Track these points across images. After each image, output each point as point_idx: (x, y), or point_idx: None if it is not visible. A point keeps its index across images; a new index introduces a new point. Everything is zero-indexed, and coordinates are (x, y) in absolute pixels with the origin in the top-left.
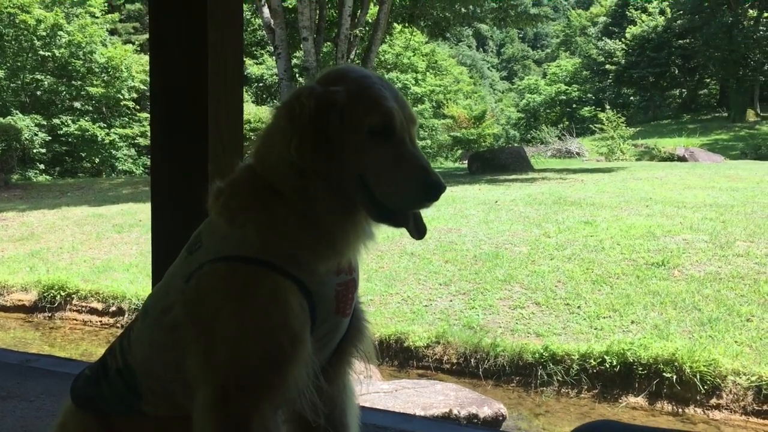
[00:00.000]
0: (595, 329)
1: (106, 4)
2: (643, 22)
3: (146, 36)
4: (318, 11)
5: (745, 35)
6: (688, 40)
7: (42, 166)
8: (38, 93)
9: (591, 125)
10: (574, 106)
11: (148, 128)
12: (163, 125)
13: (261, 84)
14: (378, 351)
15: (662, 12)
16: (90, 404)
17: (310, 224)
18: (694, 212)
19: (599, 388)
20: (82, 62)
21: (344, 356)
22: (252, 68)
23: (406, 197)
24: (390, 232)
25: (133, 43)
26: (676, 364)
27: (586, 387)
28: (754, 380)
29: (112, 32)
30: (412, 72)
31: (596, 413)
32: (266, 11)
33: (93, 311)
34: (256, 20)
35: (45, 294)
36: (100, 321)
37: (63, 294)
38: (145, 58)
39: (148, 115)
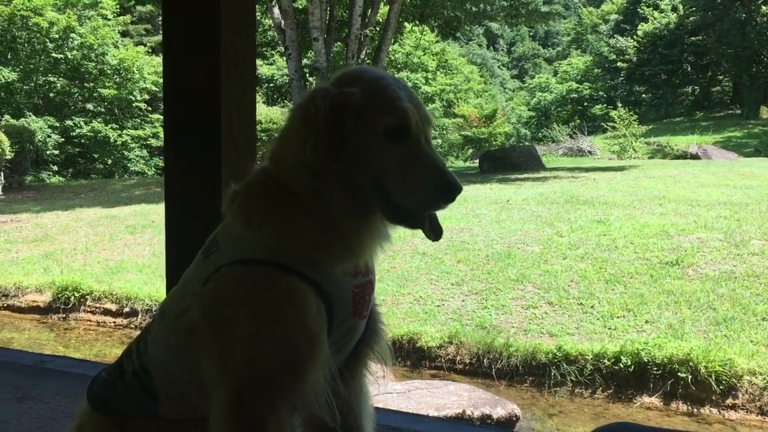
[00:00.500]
0: (609, 329)
1: (117, 7)
2: (655, 19)
3: (158, 38)
4: (328, 11)
5: (759, 32)
6: (700, 37)
7: (55, 168)
8: (51, 95)
9: (603, 123)
10: (585, 104)
11: (159, 129)
12: (176, 128)
13: (272, 84)
14: (393, 352)
15: (674, 9)
16: (107, 407)
17: (326, 226)
18: (708, 210)
19: (613, 388)
20: (94, 64)
21: (360, 358)
22: (263, 69)
23: (422, 198)
24: (402, 232)
25: (145, 45)
26: (691, 363)
27: (600, 387)
28: None
29: (124, 34)
30: (423, 71)
31: (610, 414)
32: (277, 12)
33: (107, 312)
34: (267, 21)
35: (59, 295)
36: (114, 322)
37: (77, 295)
38: (157, 59)
39: (160, 117)
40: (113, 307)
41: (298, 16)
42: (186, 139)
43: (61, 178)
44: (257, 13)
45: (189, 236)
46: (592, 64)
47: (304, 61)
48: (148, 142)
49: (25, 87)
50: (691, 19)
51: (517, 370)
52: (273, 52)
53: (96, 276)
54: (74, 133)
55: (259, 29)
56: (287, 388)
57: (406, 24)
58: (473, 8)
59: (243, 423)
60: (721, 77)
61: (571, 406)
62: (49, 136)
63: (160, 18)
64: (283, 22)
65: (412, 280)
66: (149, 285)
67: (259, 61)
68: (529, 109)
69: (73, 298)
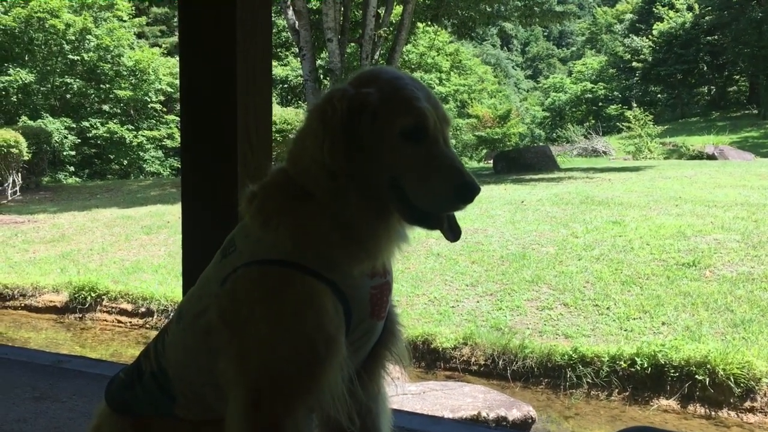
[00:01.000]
0: (625, 331)
1: (133, 8)
2: (670, 18)
3: (173, 39)
4: (342, 12)
5: None
6: (716, 37)
7: (72, 169)
8: (68, 96)
9: (618, 123)
10: (600, 104)
11: (175, 130)
12: (192, 129)
13: (286, 85)
14: (410, 354)
15: (690, 8)
16: (125, 407)
17: (344, 227)
18: (725, 211)
19: (630, 390)
20: (110, 65)
21: (378, 360)
22: (277, 69)
23: (440, 199)
24: (417, 233)
25: (160, 46)
26: (708, 366)
27: (616, 389)
28: None
29: (140, 35)
30: (437, 72)
31: (627, 416)
32: (291, 12)
33: (123, 312)
34: (281, 22)
35: (76, 295)
36: (130, 322)
37: (93, 295)
38: (172, 60)
39: (175, 117)
40: (129, 307)
41: (312, 17)
42: (202, 140)
43: (77, 179)
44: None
45: (206, 237)
46: (607, 64)
47: (318, 62)
48: (163, 143)
49: (42, 88)
50: (706, 18)
51: (532, 371)
52: (287, 52)
53: (112, 276)
54: (90, 134)
55: (274, 30)
56: (304, 389)
57: (419, 24)
58: (487, 8)
59: (259, 424)
60: (737, 77)
61: (587, 408)
62: (66, 137)
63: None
64: (297, 22)
65: (426, 280)
66: (165, 285)
67: (273, 62)
68: (543, 110)
69: (89, 298)
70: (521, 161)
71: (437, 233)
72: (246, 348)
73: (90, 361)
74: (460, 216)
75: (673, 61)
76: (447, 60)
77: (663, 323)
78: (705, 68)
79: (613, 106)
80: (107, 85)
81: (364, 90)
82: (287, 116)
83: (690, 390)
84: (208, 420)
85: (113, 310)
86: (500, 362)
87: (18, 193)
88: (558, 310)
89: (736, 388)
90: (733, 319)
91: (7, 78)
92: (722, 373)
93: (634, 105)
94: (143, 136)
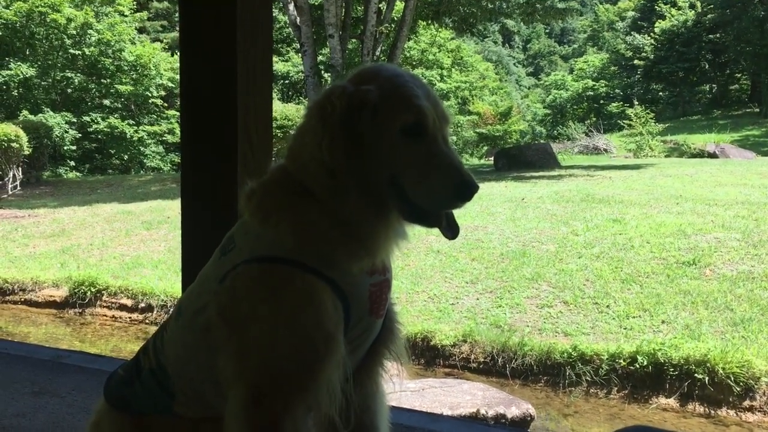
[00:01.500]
0: (625, 329)
1: (134, 3)
2: (672, 16)
3: (174, 34)
4: (344, 8)
5: None
6: (718, 35)
7: (72, 163)
8: (69, 91)
9: (619, 121)
10: (601, 101)
11: (175, 125)
12: (192, 128)
13: (287, 81)
14: (409, 352)
15: (692, 6)
16: (123, 404)
17: (343, 224)
18: (725, 210)
19: (629, 388)
20: (111, 60)
21: (376, 358)
22: (278, 65)
23: (439, 197)
24: (417, 230)
25: (161, 41)
26: (708, 365)
27: (615, 387)
28: None
29: (141, 30)
30: (438, 68)
31: (626, 414)
32: (292, 8)
33: (122, 307)
34: (282, 17)
35: (75, 290)
36: (130, 317)
37: (93, 290)
38: (173, 56)
39: (176, 113)
40: (129, 302)
41: (313, 13)
42: (202, 140)
43: (78, 174)
44: (273, 10)
45: (205, 233)
46: (609, 62)
47: (320, 57)
48: (164, 138)
49: (42, 83)
50: (709, 16)
51: (531, 369)
52: (288, 48)
53: (112, 271)
54: (91, 129)
55: (275, 26)
56: (303, 387)
57: (421, 21)
58: (489, 5)
59: (258, 422)
60: (739, 75)
61: (586, 407)
62: (67, 132)
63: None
64: (298, 18)
65: (426, 278)
66: (165, 281)
67: (274, 58)
68: (544, 107)
69: (89, 293)
70: (522, 158)
71: (436, 230)
72: (245, 345)
73: (89, 356)
74: (460, 213)
75: (675, 59)
76: (448, 57)
77: (663, 322)
78: (707, 66)
79: (614, 104)
80: (108, 80)
81: (363, 87)
82: (288, 112)
83: (689, 389)
84: (207, 417)
85: (113, 305)
86: (499, 360)
87: (18, 188)
88: (558, 308)
89: (735, 387)
90: (733, 318)
91: (8, 72)
92: (722, 371)
93: (636, 103)
94: (144, 131)
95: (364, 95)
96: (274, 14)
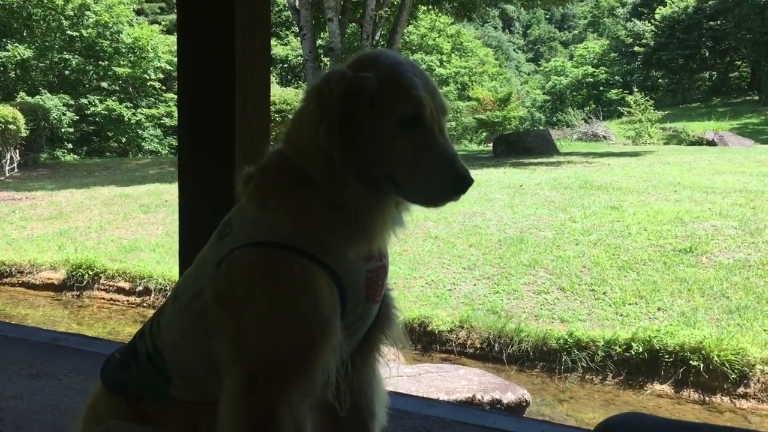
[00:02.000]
0: (621, 316)
1: None
2: (673, 3)
3: (172, 16)
4: None
5: None
6: (719, 22)
7: (70, 146)
8: (66, 72)
9: (618, 108)
10: (601, 88)
11: (173, 109)
12: (189, 110)
13: (286, 65)
14: (407, 337)
15: None
16: (120, 387)
17: (340, 210)
18: (723, 198)
19: (624, 375)
20: (109, 42)
21: (373, 343)
22: (277, 49)
23: (432, 190)
24: (414, 216)
25: (159, 23)
26: (703, 352)
27: (611, 374)
28: None
29: (139, 12)
30: (437, 53)
31: (621, 400)
32: None
33: (120, 290)
34: (281, 0)
35: (73, 273)
36: (127, 300)
37: (91, 273)
38: (171, 38)
39: (174, 96)
40: (126, 285)
41: None
42: (199, 122)
43: (75, 156)
44: None
45: (202, 217)
46: (609, 48)
47: (319, 41)
48: (162, 121)
49: (40, 64)
50: (709, 3)
51: (527, 355)
52: (287, 32)
53: (110, 254)
54: (89, 112)
55: (274, 9)
56: (299, 372)
57: (420, 6)
58: None
59: (254, 407)
60: (739, 63)
61: (581, 392)
62: (64, 114)
63: None
64: (297, 1)
65: (423, 263)
66: (162, 264)
67: (273, 41)
68: (544, 93)
69: (86, 276)
70: (521, 145)
71: (434, 216)
72: (241, 330)
73: (87, 339)
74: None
75: (675, 45)
76: (448, 42)
77: (659, 309)
78: (707, 54)
79: (614, 91)
80: (106, 62)
81: (362, 74)
82: (287, 96)
83: (684, 375)
84: (204, 402)
85: (111, 288)
86: (496, 346)
87: (16, 170)
88: (554, 294)
89: (730, 374)
90: (729, 306)
91: (5, 54)
92: (717, 358)
93: (635, 89)
94: (142, 114)
95: (362, 82)
96: None
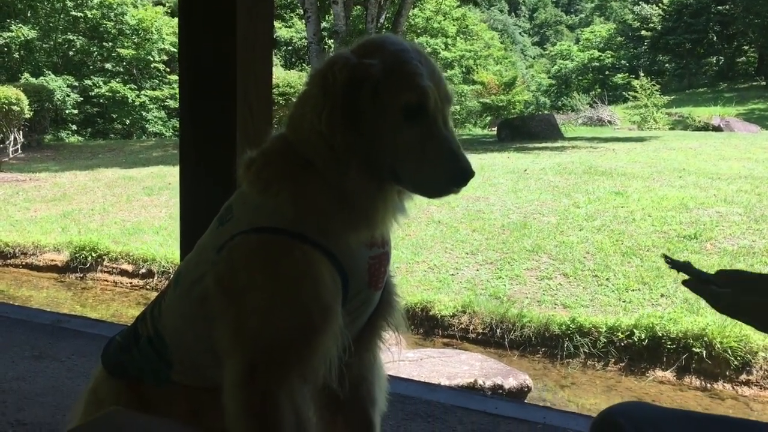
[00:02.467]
0: (624, 302)
1: None
2: None
3: None
4: None
5: None
6: (727, 6)
7: (74, 127)
8: (70, 54)
9: (624, 93)
10: (607, 72)
11: (177, 91)
12: (191, 92)
13: (290, 47)
14: (407, 322)
15: None
16: (121, 370)
17: (342, 197)
18: (728, 184)
19: (626, 361)
20: (113, 24)
21: (374, 329)
22: (281, 31)
23: (434, 183)
24: (417, 201)
25: (164, 5)
26: (706, 339)
27: (613, 360)
28: None
29: None
30: (443, 36)
31: (623, 386)
32: None
33: (123, 273)
34: None
35: (77, 255)
36: (131, 282)
37: (94, 255)
38: (175, 20)
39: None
40: (130, 268)
41: None
42: (201, 105)
43: (79, 138)
44: None
45: (203, 200)
46: (615, 32)
47: (323, 24)
48: (166, 104)
49: (44, 45)
50: None
51: (529, 340)
52: (292, 14)
53: (113, 237)
54: (93, 93)
55: None
56: (300, 358)
57: None
58: None
59: (255, 393)
60: (746, 48)
61: (583, 378)
62: (68, 96)
63: None
64: None
65: (426, 248)
66: (165, 247)
67: (277, 24)
68: (549, 77)
69: (90, 258)
70: (525, 129)
71: (437, 201)
72: (242, 316)
73: (89, 321)
74: None
75: (683, 30)
76: (453, 25)
77: (662, 295)
78: (714, 38)
79: (620, 75)
80: (110, 44)
81: (367, 60)
82: (290, 79)
83: (687, 362)
84: (205, 387)
85: (114, 270)
86: (498, 331)
87: (20, 151)
88: (557, 280)
89: (732, 361)
90: None
91: (9, 34)
92: (719, 346)
93: (642, 74)
94: (146, 96)
95: (366, 69)
96: None
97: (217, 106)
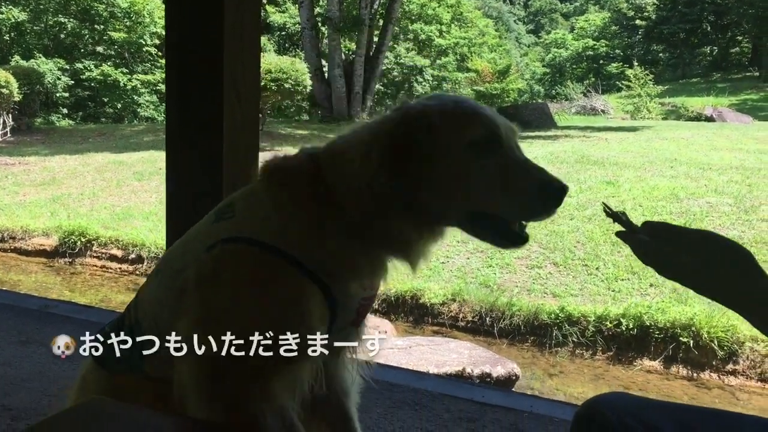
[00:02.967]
0: (613, 291)
1: None
2: None
3: None
4: None
5: None
6: None
7: (65, 111)
8: (61, 36)
9: (618, 82)
10: (601, 62)
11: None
12: (177, 76)
13: (283, 33)
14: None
15: None
16: (101, 359)
17: (362, 246)
18: (719, 174)
19: (614, 350)
20: (104, 6)
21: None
22: (274, 16)
23: (531, 206)
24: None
25: None
26: (693, 328)
27: (601, 349)
28: None
29: None
30: (437, 23)
31: (610, 375)
32: None
33: (113, 258)
34: None
35: (66, 239)
36: (120, 268)
37: (83, 240)
38: None
39: None
40: (119, 253)
41: None
42: (187, 89)
43: (70, 122)
44: None
45: (188, 185)
46: (610, 21)
47: (317, 9)
48: (157, 88)
49: (35, 28)
50: None
51: (519, 329)
52: None
53: (102, 221)
54: (84, 76)
55: None
56: (270, 382)
57: None
58: None
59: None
60: (740, 38)
61: (571, 367)
62: (59, 79)
63: None
64: None
65: None
66: (155, 232)
67: (271, 9)
68: (543, 66)
69: (79, 242)
70: (519, 118)
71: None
72: (216, 328)
73: (77, 306)
74: None
75: (677, 19)
76: (448, 12)
77: (651, 285)
78: (708, 28)
79: (614, 64)
80: (101, 27)
81: (423, 102)
82: (283, 65)
83: (674, 351)
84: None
85: (103, 255)
86: (488, 319)
87: (9, 135)
88: (547, 269)
89: (719, 351)
90: None
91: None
92: (706, 335)
93: (635, 64)
94: (137, 79)
95: (422, 108)
96: None
97: (204, 89)
